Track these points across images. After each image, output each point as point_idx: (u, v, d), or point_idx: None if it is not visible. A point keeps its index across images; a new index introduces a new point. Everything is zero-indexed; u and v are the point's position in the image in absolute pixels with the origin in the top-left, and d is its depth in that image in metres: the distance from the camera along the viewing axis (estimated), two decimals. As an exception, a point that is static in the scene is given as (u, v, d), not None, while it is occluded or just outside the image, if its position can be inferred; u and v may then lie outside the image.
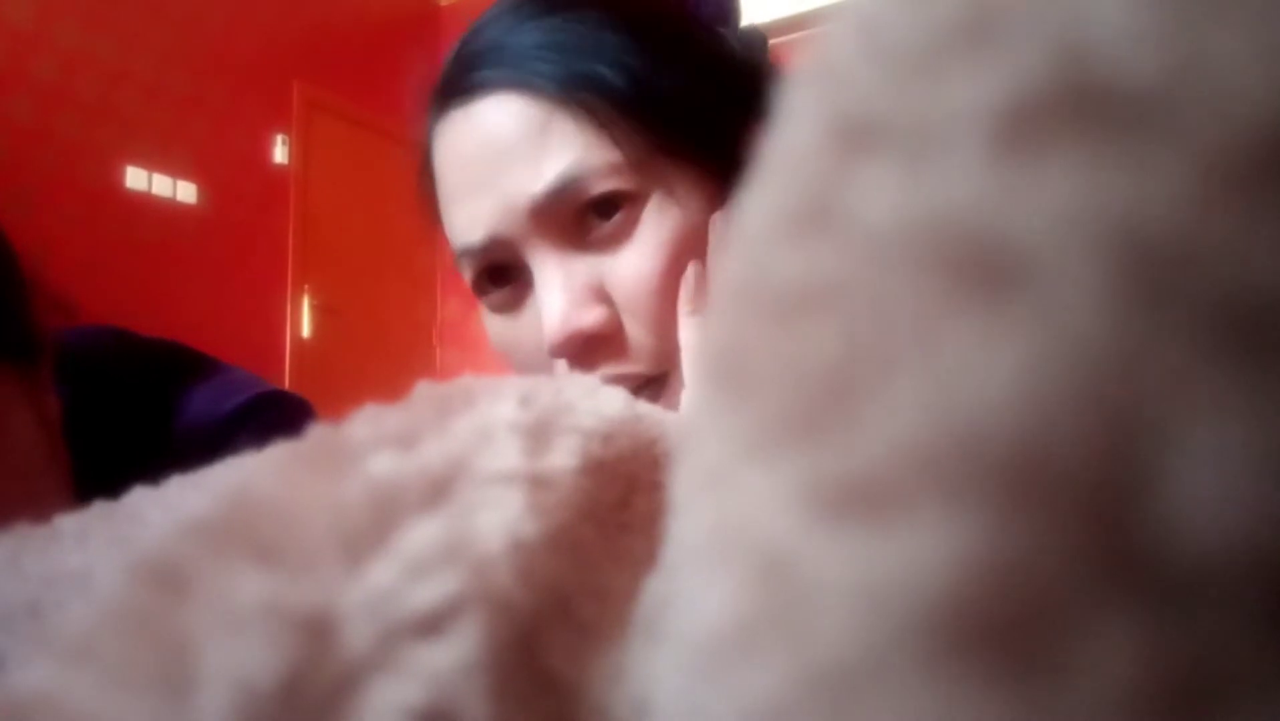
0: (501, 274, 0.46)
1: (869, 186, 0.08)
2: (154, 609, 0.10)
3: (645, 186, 0.42)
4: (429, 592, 0.11)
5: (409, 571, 0.11)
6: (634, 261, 0.42)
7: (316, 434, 0.13)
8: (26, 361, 0.45)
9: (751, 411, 0.08)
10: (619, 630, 0.12)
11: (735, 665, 0.07)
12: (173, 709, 0.09)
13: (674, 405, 0.43)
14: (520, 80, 0.43)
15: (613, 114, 0.42)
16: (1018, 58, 0.07)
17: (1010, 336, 0.07)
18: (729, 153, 0.42)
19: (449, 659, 0.10)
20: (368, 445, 0.13)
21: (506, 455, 0.13)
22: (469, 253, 0.45)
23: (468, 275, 0.47)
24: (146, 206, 3.04)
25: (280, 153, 3.52)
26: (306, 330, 3.59)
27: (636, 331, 0.43)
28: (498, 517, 0.12)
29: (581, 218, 0.43)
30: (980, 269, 0.07)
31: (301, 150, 3.60)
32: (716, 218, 0.42)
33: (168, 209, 3.10)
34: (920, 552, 0.07)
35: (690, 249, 0.42)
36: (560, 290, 0.42)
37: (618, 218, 0.42)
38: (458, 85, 0.45)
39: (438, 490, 0.12)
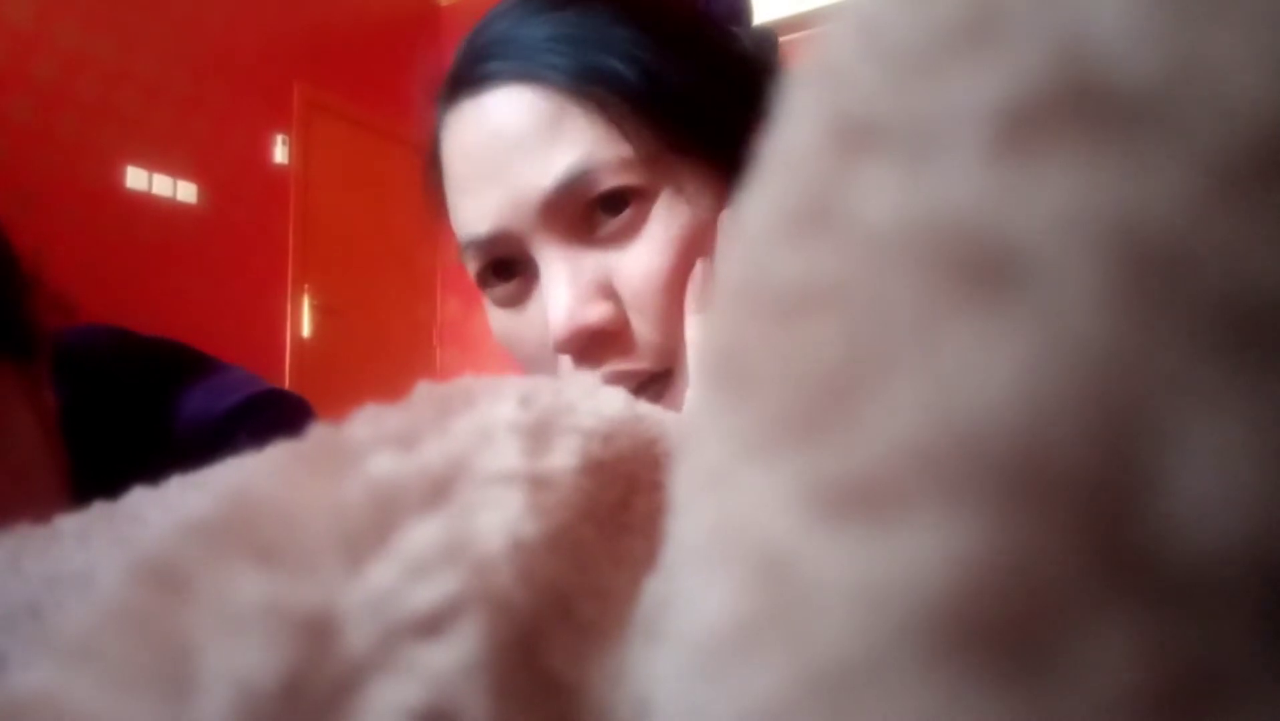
0: (507, 267, 0.46)
1: (869, 186, 0.08)
2: (154, 609, 0.10)
3: (655, 183, 0.42)
4: (429, 593, 0.11)
5: (409, 571, 0.11)
6: (642, 258, 0.42)
7: (317, 434, 0.13)
8: (25, 359, 0.45)
9: (751, 411, 0.08)
10: (619, 630, 0.12)
11: (735, 665, 0.07)
12: (173, 709, 0.09)
13: (678, 402, 0.43)
14: (531, 73, 0.43)
15: (624, 109, 0.42)
16: (1018, 57, 0.07)
17: (1010, 336, 0.07)
18: (739, 150, 0.42)
19: (449, 659, 0.10)
20: (368, 445, 0.13)
21: (507, 455, 0.13)
22: (475, 245, 0.45)
23: (472, 268, 0.47)
24: (147, 206, 3.04)
25: (280, 153, 3.52)
26: (307, 330, 3.59)
27: (642, 328, 0.43)
28: (498, 518, 0.12)
29: (590, 213, 0.42)
30: (980, 269, 0.07)
31: (302, 150, 3.60)
32: (725, 215, 0.42)
33: (168, 209, 3.10)
34: (920, 552, 0.07)
35: (698, 246, 0.42)
36: (566, 285, 0.42)
37: (626, 213, 0.42)
38: (467, 77, 0.45)
39: (438, 490, 0.12)
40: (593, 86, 0.42)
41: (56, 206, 2.75)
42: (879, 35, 0.08)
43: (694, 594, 0.08)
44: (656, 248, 0.42)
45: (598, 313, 0.42)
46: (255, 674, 0.10)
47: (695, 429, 0.09)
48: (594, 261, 0.43)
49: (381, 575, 0.11)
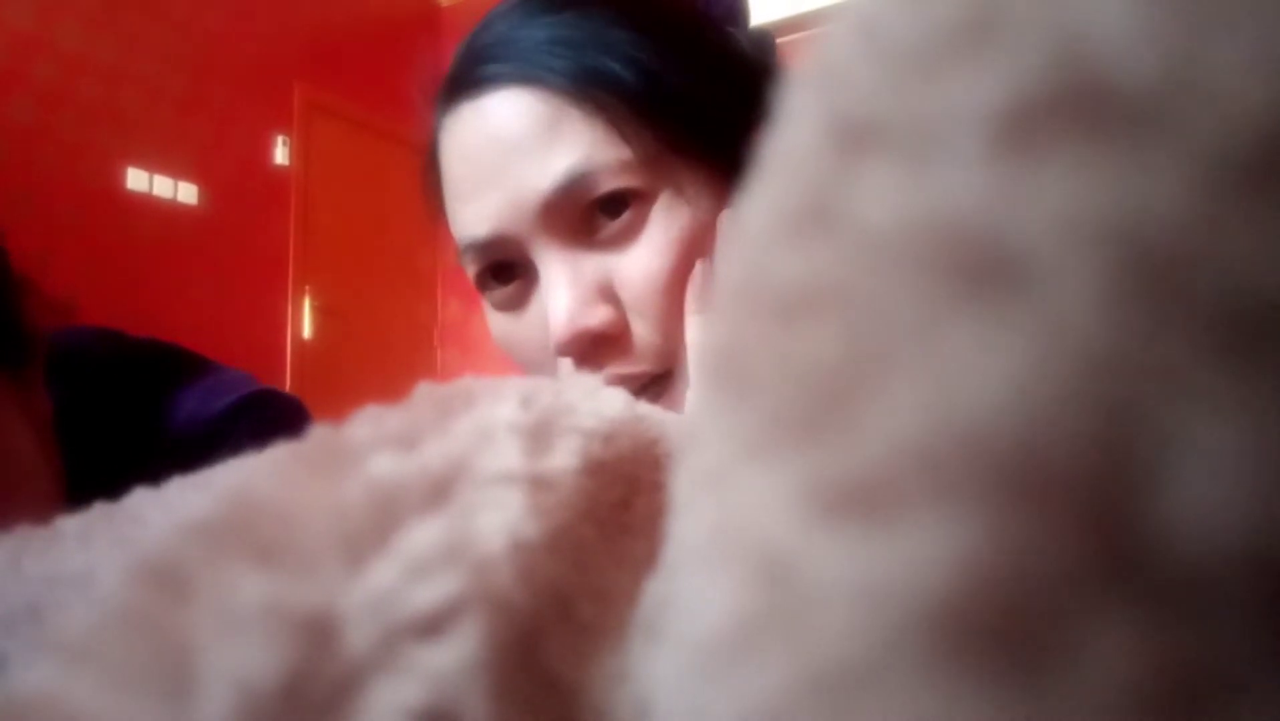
0: (506, 270, 0.46)
1: (869, 187, 0.08)
2: (155, 610, 0.10)
3: (654, 184, 0.42)
4: (430, 593, 0.11)
5: (410, 572, 0.11)
6: (642, 260, 0.42)
7: (317, 434, 0.13)
8: (19, 366, 0.45)
9: (751, 412, 0.08)
10: (620, 631, 0.12)
11: (736, 665, 0.07)
12: (174, 710, 0.09)
13: (679, 403, 0.43)
14: (530, 75, 0.43)
15: (623, 111, 0.42)
16: (1017, 59, 0.07)
17: (1010, 337, 0.07)
18: (739, 152, 0.42)
19: (450, 659, 0.10)
20: (368, 446, 0.13)
21: (507, 456, 0.13)
22: (474, 248, 0.45)
23: (471, 271, 0.47)
24: (147, 207, 3.04)
25: (281, 154, 3.52)
26: (307, 331, 3.59)
27: (643, 330, 0.43)
28: (498, 518, 0.12)
29: (589, 215, 0.42)
30: (980, 269, 0.07)
31: (302, 151, 3.60)
32: (724, 216, 0.42)
33: (169, 210, 3.11)
34: (920, 553, 0.07)
35: (698, 247, 0.42)
36: (567, 288, 0.42)
37: (626, 216, 0.42)
38: (466, 79, 0.45)
39: (438, 491, 0.12)
40: (592, 89, 0.42)
41: (57, 207, 2.75)
42: (878, 36, 0.09)
43: (694, 594, 0.08)
44: (656, 249, 0.42)
45: (598, 316, 0.42)
46: (255, 674, 0.10)
47: (695, 429, 0.09)
48: (594, 264, 0.43)
49: (382, 575, 0.11)
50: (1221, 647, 0.06)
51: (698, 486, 0.09)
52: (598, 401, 0.16)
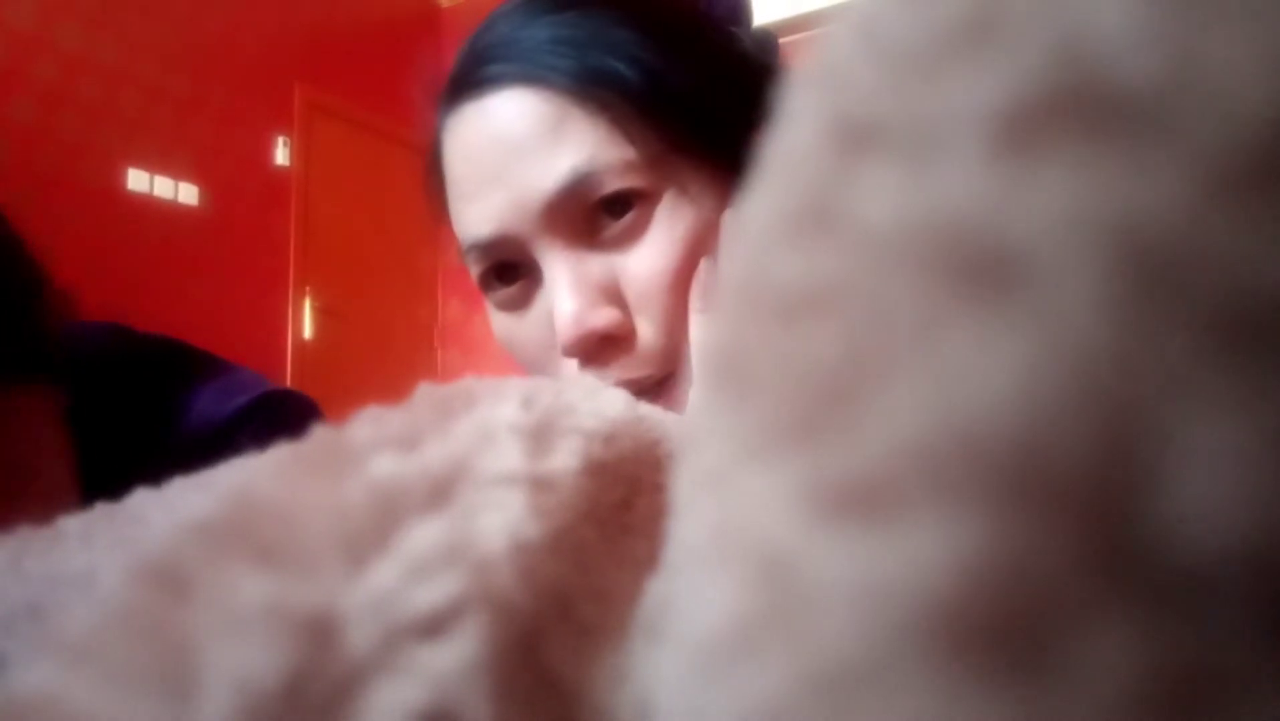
0: (509, 270, 0.46)
1: (869, 187, 0.08)
2: (156, 610, 0.10)
3: (658, 184, 0.42)
4: (431, 594, 0.11)
5: (411, 572, 0.11)
6: (647, 260, 0.42)
7: (318, 435, 0.13)
8: (56, 381, 0.45)
9: (752, 412, 0.08)
10: (621, 631, 0.12)
11: (736, 665, 0.07)
12: (175, 710, 0.09)
13: (682, 401, 0.43)
14: (534, 75, 0.43)
15: (627, 110, 0.42)
16: (1017, 59, 0.07)
17: (1010, 337, 0.07)
18: (742, 151, 0.42)
19: (451, 660, 0.10)
20: (369, 446, 0.13)
21: (508, 456, 0.13)
22: (477, 248, 0.45)
23: (474, 271, 0.47)
24: (148, 208, 3.04)
25: (281, 154, 3.52)
26: (308, 332, 3.59)
27: (648, 330, 0.43)
28: (499, 519, 0.12)
29: (593, 215, 0.42)
30: (980, 270, 0.07)
31: (303, 152, 3.60)
32: (729, 215, 0.42)
33: (169, 211, 3.11)
34: (920, 553, 0.07)
35: (703, 247, 0.42)
36: (572, 289, 0.42)
37: (630, 216, 0.42)
38: (470, 79, 0.45)
39: (439, 491, 0.12)
40: (595, 88, 0.42)
41: (58, 208, 2.75)
42: (879, 36, 0.09)
43: (695, 594, 0.08)
44: (661, 249, 0.42)
45: (604, 317, 0.42)
46: (256, 674, 0.10)
47: (696, 430, 0.09)
48: (599, 264, 0.43)
49: (383, 576, 0.11)
50: (1222, 647, 0.06)
51: (698, 487, 0.09)
52: (599, 402, 0.16)
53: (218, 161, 3.28)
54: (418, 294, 4.12)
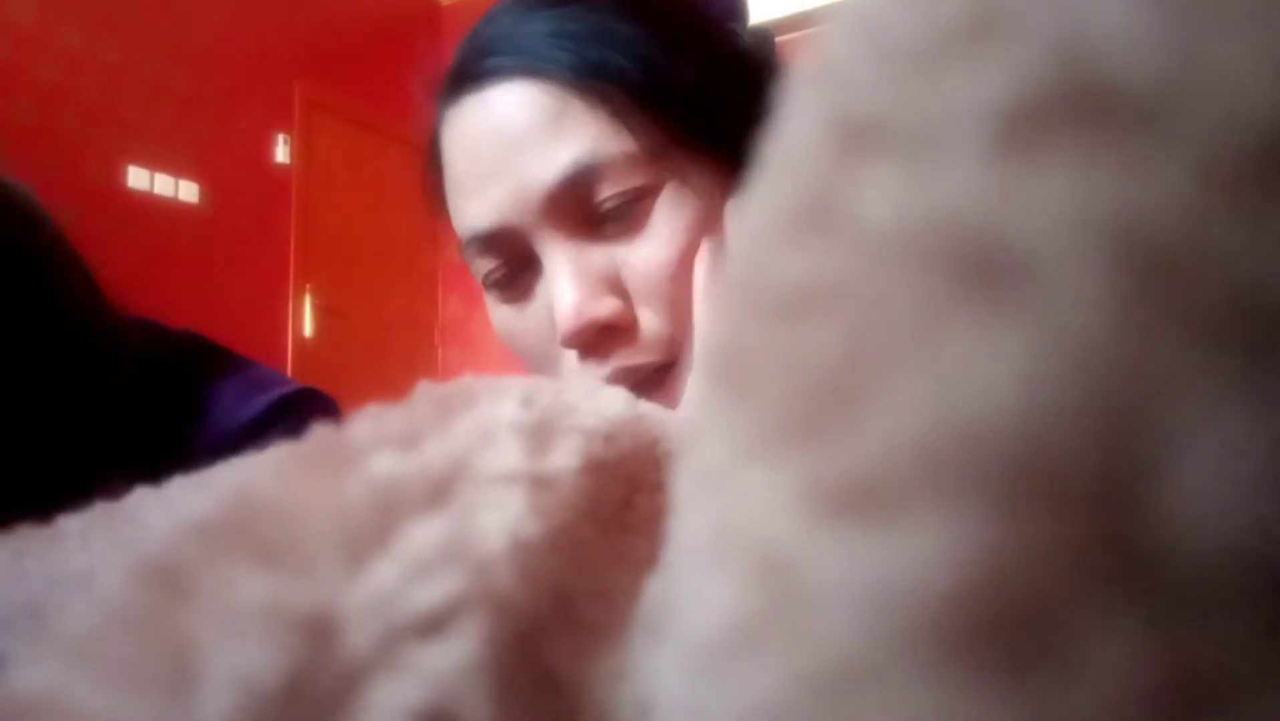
0: (509, 263, 0.46)
1: (869, 186, 0.08)
2: (156, 609, 0.10)
3: (659, 176, 0.42)
4: (430, 593, 0.11)
5: (410, 572, 0.11)
6: (648, 251, 0.42)
7: (318, 434, 0.13)
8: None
9: (752, 411, 0.08)
10: (621, 630, 0.12)
11: (736, 665, 0.07)
12: (174, 709, 0.09)
13: (682, 389, 0.43)
14: (534, 68, 0.43)
15: (627, 103, 0.42)
16: (1018, 57, 0.07)
17: (1011, 336, 0.07)
18: (743, 143, 0.42)
19: (451, 659, 0.10)
20: (369, 445, 0.13)
21: (508, 455, 0.13)
22: (477, 240, 0.45)
23: (474, 264, 0.47)
24: (148, 206, 3.04)
25: (282, 152, 3.52)
26: (308, 330, 3.59)
27: (650, 320, 0.43)
28: (499, 518, 0.12)
29: (594, 207, 0.42)
30: (981, 268, 0.07)
31: (303, 150, 3.60)
32: (731, 205, 0.42)
33: (170, 209, 3.11)
34: (921, 553, 0.07)
35: (704, 237, 0.42)
36: (573, 280, 0.42)
37: (631, 207, 0.42)
38: (470, 72, 0.45)
39: (439, 490, 0.12)
40: (596, 81, 0.42)
41: (58, 206, 2.75)
42: (879, 35, 0.08)
43: (695, 594, 0.08)
44: (663, 241, 0.42)
45: (605, 307, 0.42)
46: (256, 674, 0.10)
47: (696, 429, 0.09)
48: (600, 255, 0.43)
49: (382, 575, 0.11)
50: (1222, 646, 0.06)
51: (698, 486, 0.09)
52: (599, 401, 0.16)
53: (218, 159, 3.28)
54: (418, 292, 4.12)
